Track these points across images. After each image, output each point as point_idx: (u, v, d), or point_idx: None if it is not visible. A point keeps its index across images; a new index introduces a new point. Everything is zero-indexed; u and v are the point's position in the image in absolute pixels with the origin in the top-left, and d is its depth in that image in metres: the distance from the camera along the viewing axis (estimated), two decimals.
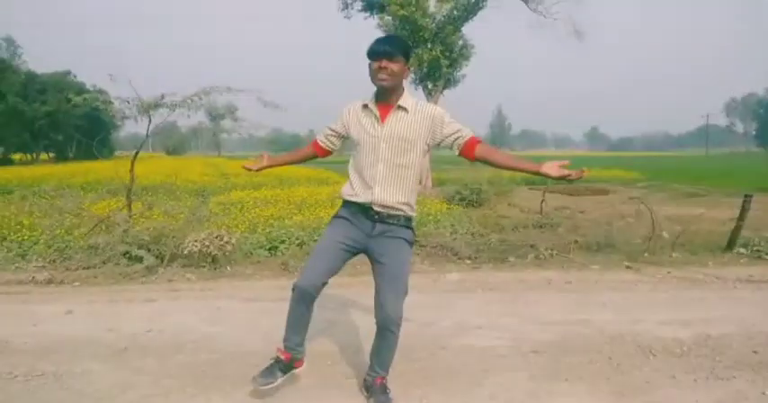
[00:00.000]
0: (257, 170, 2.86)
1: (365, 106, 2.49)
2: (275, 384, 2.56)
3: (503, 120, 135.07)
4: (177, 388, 2.76)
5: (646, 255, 5.88)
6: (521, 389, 2.75)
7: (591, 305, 4.20)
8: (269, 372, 2.57)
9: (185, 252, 5.25)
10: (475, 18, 15.61)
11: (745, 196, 6.29)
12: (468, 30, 16.10)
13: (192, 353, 3.19)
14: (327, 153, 2.78)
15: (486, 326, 3.69)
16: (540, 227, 7.40)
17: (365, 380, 2.65)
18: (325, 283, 2.51)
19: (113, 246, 5.35)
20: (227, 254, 5.35)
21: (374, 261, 2.49)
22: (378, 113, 2.44)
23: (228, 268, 5.31)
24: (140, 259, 5.24)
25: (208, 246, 5.23)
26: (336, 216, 2.59)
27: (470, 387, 2.77)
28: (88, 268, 5.18)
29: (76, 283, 4.84)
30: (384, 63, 2.36)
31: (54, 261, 5.42)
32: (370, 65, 2.41)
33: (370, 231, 2.47)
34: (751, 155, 67.96)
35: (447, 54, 15.41)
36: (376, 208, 2.44)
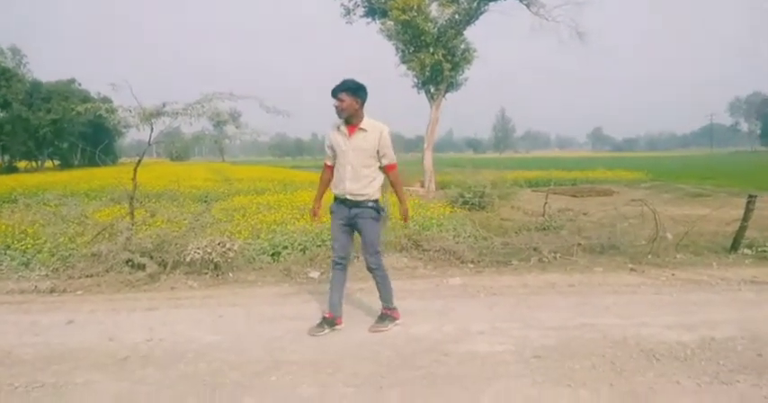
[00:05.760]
0: (319, 213, 3.95)
1: (338, 128, 3.60)
2: (324, 333, 3.59)
3: (506, 122, 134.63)
4: (178, 398, 2.75)
5: (650, 256, 5.84)
6: (523, 395, 2.74)
7: (594, 308, 4.17)
8: (319, 326, 3.62)
9: (188, 259, 5.25)
10: (477, 22, 15.61)
11: (750, 196, 6.24)
12: (471, 33, 16.06)
13: (192, 363, 3.19)
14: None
15: (488, 331, 3.67)
16: (544, 229, 7.35)
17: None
18: (349, 253, 3.76)
19: (116, 254, 5.35)
20: (229, 260, 5.34)
21: (357, 232, 3.66)
22: (346, 132, 3.56)
23: (230, 275, 5.31)
24: (143, 267, 5.25)
25: (210, 253, 5.23)
26: (331, 207, 3.72)
27: (473, 394, 2.75)
28: (91, 276, 5.19)
29: (79, 292, 4.86)
30: (336, 102, 3.46)
31: (57, 269, 5.43)
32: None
33: (349, 213, 3.60)
34: (756, 154, 67.59)
35: (449, 58, 15.37)
36: (348, 196, 3.56)
